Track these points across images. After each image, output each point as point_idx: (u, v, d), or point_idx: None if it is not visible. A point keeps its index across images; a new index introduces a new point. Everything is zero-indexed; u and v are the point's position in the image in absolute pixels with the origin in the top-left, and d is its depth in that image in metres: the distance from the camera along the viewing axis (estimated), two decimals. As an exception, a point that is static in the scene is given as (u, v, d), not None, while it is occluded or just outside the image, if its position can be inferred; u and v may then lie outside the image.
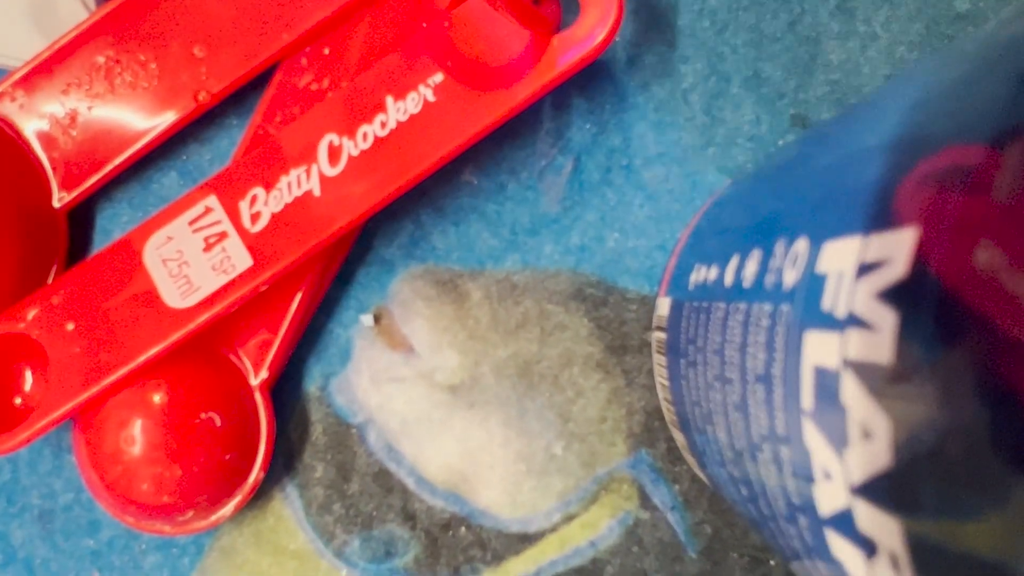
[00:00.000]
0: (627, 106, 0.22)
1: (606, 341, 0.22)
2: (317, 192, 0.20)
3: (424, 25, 0.20)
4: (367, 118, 0.20)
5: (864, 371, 0.09)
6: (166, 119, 0.21)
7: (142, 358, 0.20)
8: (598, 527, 0.22)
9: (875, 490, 0.09)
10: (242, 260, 0.20)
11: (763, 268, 0.13)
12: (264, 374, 0.21)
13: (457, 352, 0.22)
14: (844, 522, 0.10)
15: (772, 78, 0.22)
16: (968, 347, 0.08)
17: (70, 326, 0.20)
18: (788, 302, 0.11)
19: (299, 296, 0.21)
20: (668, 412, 0.19)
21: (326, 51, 0.22)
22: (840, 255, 0.10)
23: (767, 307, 0.12)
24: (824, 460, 0.10)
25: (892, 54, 0.22)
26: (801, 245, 0.11)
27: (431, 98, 0.20)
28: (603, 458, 0.22)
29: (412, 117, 0.20)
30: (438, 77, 0.20)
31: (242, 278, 0.20)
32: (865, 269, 0.09)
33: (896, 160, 0.10)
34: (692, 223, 0.20)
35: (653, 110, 0.22)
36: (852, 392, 0.09)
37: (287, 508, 0.22)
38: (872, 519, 0.09)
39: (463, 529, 0.22)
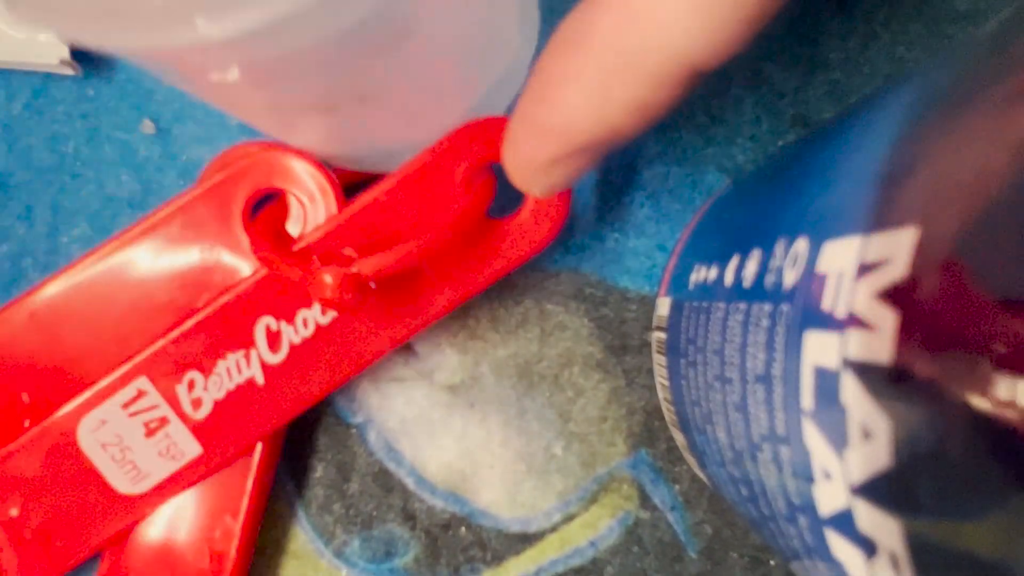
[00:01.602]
0: (627, 106, 0.22)
1: (606, 341, 0.22)
2: (260, 380, 0.19)
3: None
4: (304, 303, 0.19)
5: (864, 371, 0.09)
6: None
7: (99, 541, 0.20)
8: (598, 527, 0.22)
9: (875, 490, 0.09)
10: (190, 447, 0.19)
11: (763, 268, 0.13)
12: None
13: (457, 352, 0.22)
14: (844, 522, 0.10)
15: (772, 78, 0.22)
16: (968, 347, 0.08)
17: (14, 511, 0.20)
18: (788, 302, 0.11)
19: (245, 503, 0.20)
20: (668, 412, 0.19)
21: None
22: (840, 255, 0.10)
23: (767, 307, 0.12)
24: (824, 460, 0.10)
25: (892, 54, 0.22)
26: (801, 245, 0.11)
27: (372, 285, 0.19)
28: (603, 458, 0.22)
29: None
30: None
31: (193, 464, 0.19)
32: (865, 269, 0.09)
33: (896, 160, 0.10)
34: (692, 223, 0.20)
35: (653, 110, 0.22)
36: (852, 392, 0.09)
37: (287, 508, 0.22)
38: (872, 519, 0.09)
39: (463, 529, 0.22)
